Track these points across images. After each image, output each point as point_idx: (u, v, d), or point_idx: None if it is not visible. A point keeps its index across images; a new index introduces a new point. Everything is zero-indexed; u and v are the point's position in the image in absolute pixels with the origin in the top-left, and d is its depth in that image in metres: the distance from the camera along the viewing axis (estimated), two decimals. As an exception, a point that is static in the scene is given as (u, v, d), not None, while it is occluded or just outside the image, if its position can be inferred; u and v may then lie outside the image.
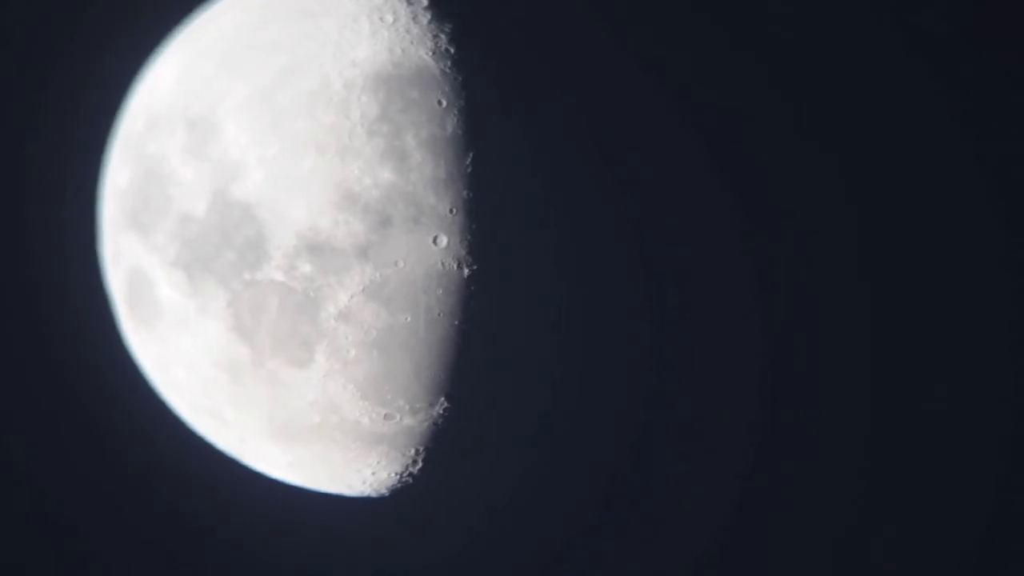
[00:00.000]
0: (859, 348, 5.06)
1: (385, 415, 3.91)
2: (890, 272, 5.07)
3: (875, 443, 5.25)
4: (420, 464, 4.08)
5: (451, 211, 3.72)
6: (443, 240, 3.73)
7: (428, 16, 3.85)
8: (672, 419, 4.37)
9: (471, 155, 3.71)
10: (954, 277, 5.16)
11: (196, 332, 3.97)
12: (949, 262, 5.15)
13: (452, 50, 3.80)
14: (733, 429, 4.76)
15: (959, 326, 5.21)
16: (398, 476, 4.13)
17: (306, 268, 3.76)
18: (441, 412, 3.92)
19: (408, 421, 3.93)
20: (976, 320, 5.21)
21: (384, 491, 4.21)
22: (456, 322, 3.78)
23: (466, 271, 3.74)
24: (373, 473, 4.13)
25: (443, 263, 3.74)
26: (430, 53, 3.79)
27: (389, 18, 3.84)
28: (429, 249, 3.73)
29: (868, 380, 5.13)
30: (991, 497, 5.34)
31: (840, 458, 5.22)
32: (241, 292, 3.84)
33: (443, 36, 3.81)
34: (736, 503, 5.16)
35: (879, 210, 5.00)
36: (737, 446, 4.91)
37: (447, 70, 3.76)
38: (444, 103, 3.74)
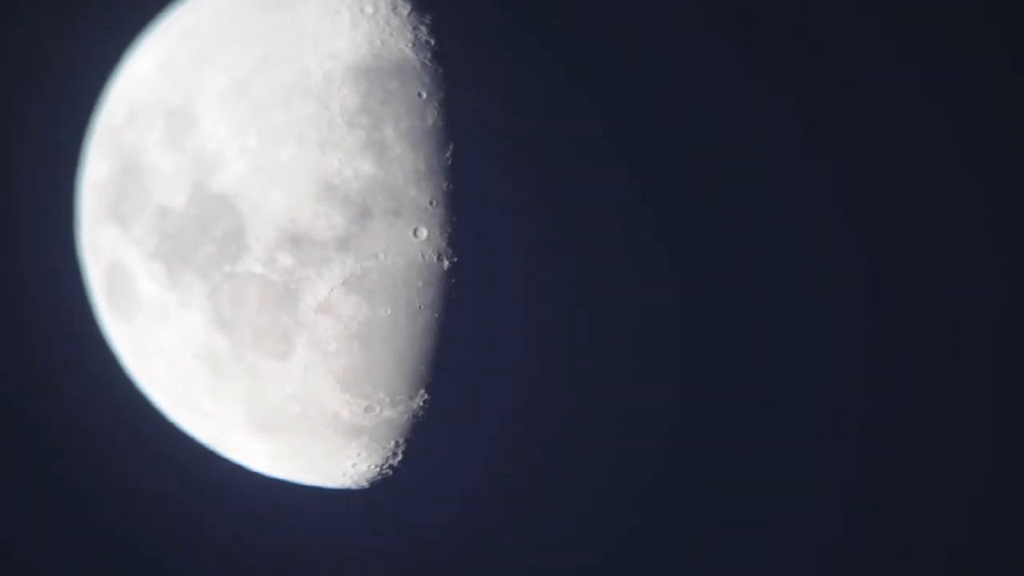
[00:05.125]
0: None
1: (365, 407, 3.92)
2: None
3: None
4: (400, 456, 4.08)
5: (431, 203, 3.72)
6: (423, 232, 3.73)
7: (408, 8, 3.85)
8: (656, 413, 4.38)
9: (451, 147, 3.72)
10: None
11: (175, 324, 3.96)
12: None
13: (432, 42, 3.79)
14: (717, 427, 4.78)
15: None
16: (378, 468, 4.13)
17: (286, 260, 3.75)
18: (421, 404, 3.92)
19: (388, 413, 3.94)
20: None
21: (364, 483, 4.22)
22: (436, 314, 3.78)
23: (446, 263, 3.75)
24: (353, 465, 4.13)
25: (423, 255, 3.74)
26: (410, 45, 3.79)
27: (369, 9, 3.83)
28: (409, 241, 3.73)
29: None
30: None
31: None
32: (221, 284, 3.83)
33: (423, 28, 3.81)
34: (711, 501, 5.19)
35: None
36: (720, 445, 4.92)
37: (427, 62, 3.76)
38: (424, 95, 3.73)
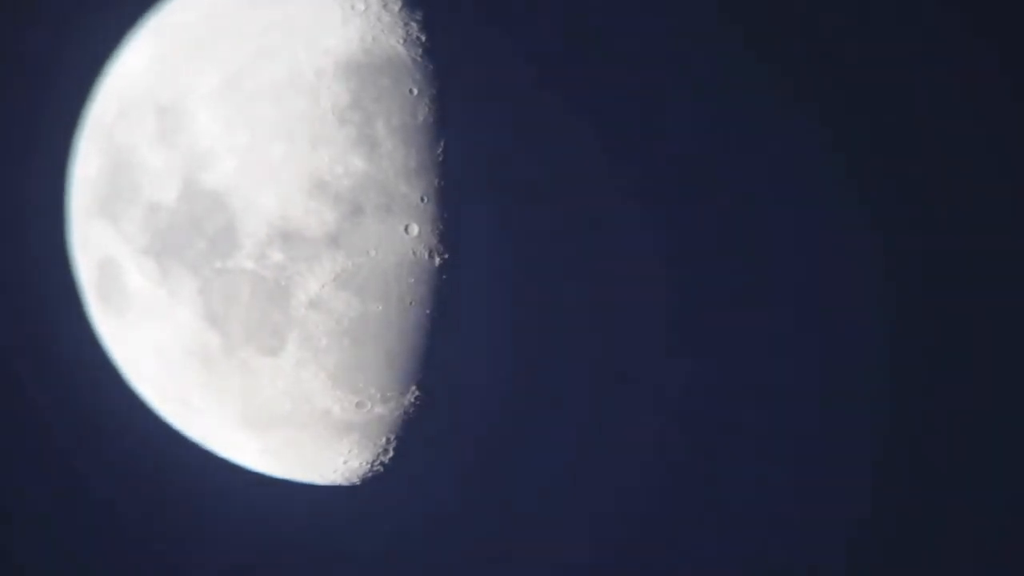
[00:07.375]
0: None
1: (356, 404, 3.92)
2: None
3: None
4: (391, 452, 4.08)
5: (422, 200, 3.72)
6: (414, 229, 3.73)
7: (399, 4, 3.84)
8: (643, 410, 4.39)
9: (442, 143, 3.72)
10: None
11: (166, 320, 3.96)
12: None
13: (423, 38, 3.79)
14: (698, 423, 4.79)
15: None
16: (369, 464, 4.14)
17: (277, 257, 3.75)
18: (412, 400, 3.92)
19: (379, 410, 3.94)
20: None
21: (356, 479, 4.22)
22: (427, 311, 3.78)
23: (437, 260, 3.75)
24: (345, 462, 4.13)
25: (415, 252, 3.74)
26: (401, 41, 3.78)
27: (360, 6, 3.83)
28: (401, 238, 3.73)
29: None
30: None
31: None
32: (212, 280, 3.83)
33: (414, 24, 3.81)
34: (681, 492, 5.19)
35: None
36: (693, 440, 4.93)
37: (418, 58, 3.76)
38: (415, 91, 3.74)
